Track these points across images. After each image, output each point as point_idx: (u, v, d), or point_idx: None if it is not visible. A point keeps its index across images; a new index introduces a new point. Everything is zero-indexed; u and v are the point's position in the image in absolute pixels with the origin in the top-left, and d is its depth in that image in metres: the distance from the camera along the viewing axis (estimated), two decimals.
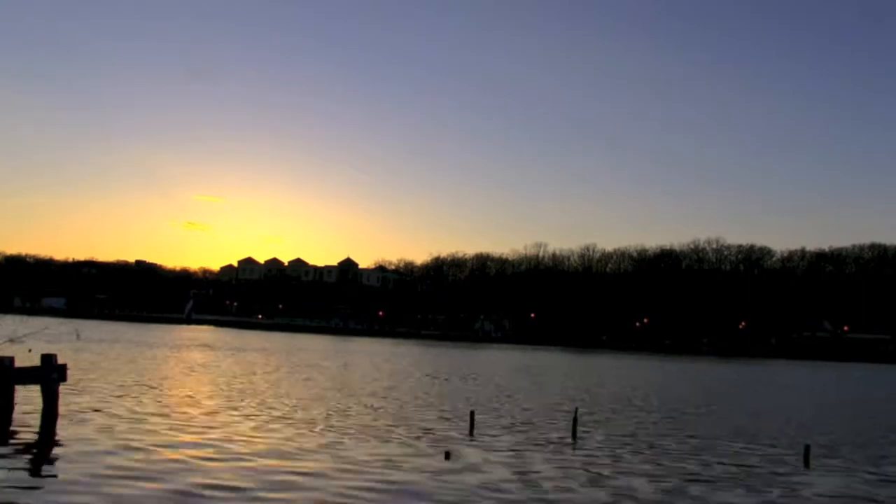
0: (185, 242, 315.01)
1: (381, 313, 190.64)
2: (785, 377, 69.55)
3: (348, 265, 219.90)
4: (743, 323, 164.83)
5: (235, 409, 23.46)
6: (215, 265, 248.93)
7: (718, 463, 18.12)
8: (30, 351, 18.96)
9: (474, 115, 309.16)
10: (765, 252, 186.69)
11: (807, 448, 19.13)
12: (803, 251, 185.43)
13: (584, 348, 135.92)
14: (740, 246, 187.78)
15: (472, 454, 17.42)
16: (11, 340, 18.05)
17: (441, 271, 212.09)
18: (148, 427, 18.71)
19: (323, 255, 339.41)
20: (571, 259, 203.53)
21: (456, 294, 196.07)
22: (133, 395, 25.08)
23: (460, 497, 13.30)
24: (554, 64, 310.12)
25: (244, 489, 12.97)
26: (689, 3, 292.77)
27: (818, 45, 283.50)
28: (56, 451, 15.51)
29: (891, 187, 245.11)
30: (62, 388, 19.57)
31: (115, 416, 20.24)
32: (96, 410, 20.92)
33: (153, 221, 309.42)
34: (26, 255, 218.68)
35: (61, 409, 19.11)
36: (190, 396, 26.04)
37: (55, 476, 13.45)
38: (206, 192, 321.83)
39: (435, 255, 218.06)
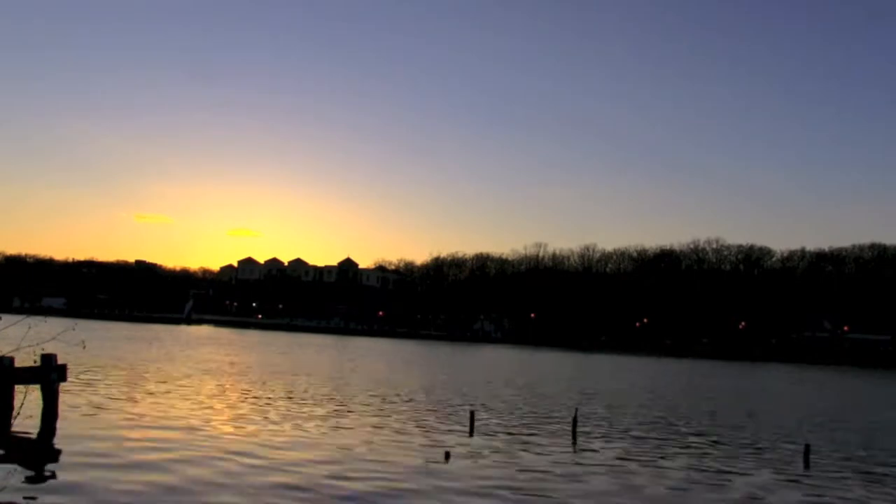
0: (184, 241, 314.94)
1: (381, 313, 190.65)
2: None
3: (348, 265, 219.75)
4: (743, 323, 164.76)
5: (228, 406, 23.49)
6: (214, 265, 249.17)
7: (720, 462, 18.17)
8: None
9: (474, 115, 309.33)
10: (765, 252, 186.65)
11: (807, 448, 19.14)
12: (803, 251, 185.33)
13: (584, 350, 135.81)
14: (740, 246, 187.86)
15: (472, 454, 17.43)
16: (18, 349, 18.10)
17: (441, 271, 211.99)
18: (150, 426, 18.75)
19: (323, 255, 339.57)
20: (571, 259, 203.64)
21: (456, 294, 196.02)
22: (136, 395, 25.13)
23: (460, 497, 13.30)
24: (553, 64, 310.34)
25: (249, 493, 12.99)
26: (690, 3, 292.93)
27: (818, 44, 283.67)
28: (56, 451, 15.51)
29: (891, 187, 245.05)
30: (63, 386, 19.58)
31: (115, 415, 20.27)
32: (97, 408, 20.97)
33: (152, 221, 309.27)
34: (26, 255, 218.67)
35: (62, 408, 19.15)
36: (192, 399, 26.06)
37: (55, 476, 13.44)
38: (202, 191, 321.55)
39: (435, 255, 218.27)
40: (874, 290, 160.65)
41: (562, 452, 18.58)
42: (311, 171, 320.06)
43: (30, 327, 17.83)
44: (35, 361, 18.89)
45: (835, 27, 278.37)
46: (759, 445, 21.71)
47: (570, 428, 21.95)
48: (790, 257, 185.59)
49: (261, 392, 29.05)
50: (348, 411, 24.45)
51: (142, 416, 20.67)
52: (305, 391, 30.36)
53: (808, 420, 30.09)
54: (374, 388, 33.20)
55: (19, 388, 18.77)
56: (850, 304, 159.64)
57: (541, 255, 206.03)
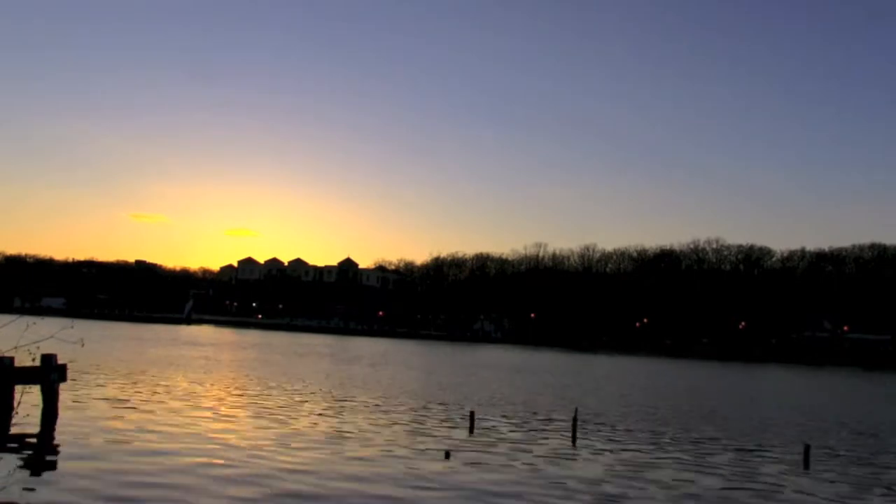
0: (183, 241, 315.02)
1: (381, 313, 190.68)
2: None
3: (348, 265, 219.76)
4: (743, 323, 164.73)
5: (213, 406, 23.48)
6: (214, 265, 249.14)
7: (719, 463, 18.15)
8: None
9: (474, 115, 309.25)
10: (765, 252, 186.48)
11: (806, 448, 19.12)
12: (803, 251, 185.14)
13: (584, 350, 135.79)
14: (740, 246, 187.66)
15: (472, 454, 17.42)
16: (16, 348, 18.09)
17: (441, 271, 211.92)
18: (149, 427, 18.73)
19: (323, 255, 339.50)
20: (571, 259, 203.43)
21: (456, 294, 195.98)
22: (136, 394, 25.12)
23: (460, 497, 13.29)
24: (553, 64, 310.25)
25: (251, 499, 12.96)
26: (690, 3, 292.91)
27: (818, 44, 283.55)
28: (56, 450, 15.50)
29: (891, 187, 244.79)
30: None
31: (116, 415, 20.26)
32: (97, 407, 20.94)
33: (152, 221, 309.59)
34: (26, 255, 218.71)
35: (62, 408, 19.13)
36: (191, 397, 26.05)
37: (55, 476, 13.42)
38: (202, 190, 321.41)
39: (435, 255, 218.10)
40: (874, 290, 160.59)
41: (562, 452, 18.57)
42: (311, 171, 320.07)
43: (28, 326, 17.81)
44: (33, 360, 18.87)
45: (835, 27, 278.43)
46: (759, 446, 21.69)
47: (569, 427, 21.93)
48: (790, 257, 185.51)
49: (262, 392, 29.05)
50: (347, 411, 24.45)
51: (141, 415, 20.65)
52: (310, 391, 30.35)
53: (808, 420, 30.08)
54: (372, 387, 33.19)
55: (19, 388, 18.78)
56: (850, 304, 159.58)
57: (541, 255, 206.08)
